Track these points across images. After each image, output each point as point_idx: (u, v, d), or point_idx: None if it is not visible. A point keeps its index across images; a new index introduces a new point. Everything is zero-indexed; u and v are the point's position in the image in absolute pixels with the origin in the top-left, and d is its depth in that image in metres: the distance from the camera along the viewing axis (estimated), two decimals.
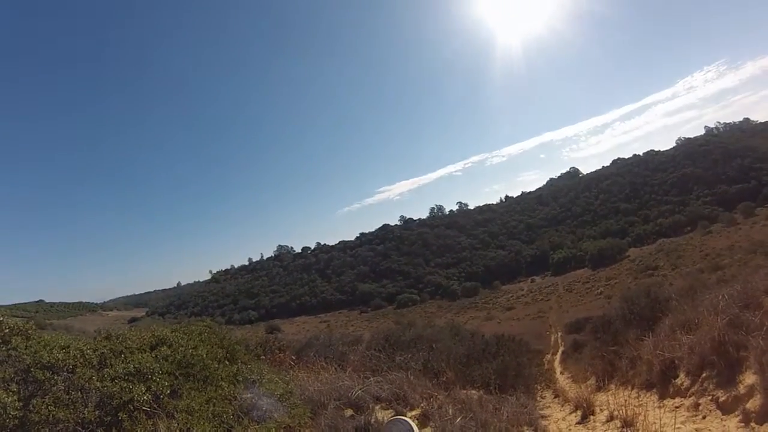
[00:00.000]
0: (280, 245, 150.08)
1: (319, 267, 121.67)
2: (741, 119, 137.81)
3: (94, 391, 3.57)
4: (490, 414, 5.77)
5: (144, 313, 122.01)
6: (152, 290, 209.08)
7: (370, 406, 5.27)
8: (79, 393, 3.56)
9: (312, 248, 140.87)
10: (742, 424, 3.99)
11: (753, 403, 4.03)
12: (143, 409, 3.49)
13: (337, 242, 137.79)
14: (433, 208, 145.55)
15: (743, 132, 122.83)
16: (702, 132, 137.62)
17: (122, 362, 3.96)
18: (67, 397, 3.48)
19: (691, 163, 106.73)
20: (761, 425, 3.75)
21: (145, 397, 3.53)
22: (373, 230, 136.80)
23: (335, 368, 7.02)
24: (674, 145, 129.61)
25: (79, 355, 3.88)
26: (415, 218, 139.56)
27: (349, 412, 5.13)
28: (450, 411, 5.32)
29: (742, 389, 4.34)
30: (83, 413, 3.38)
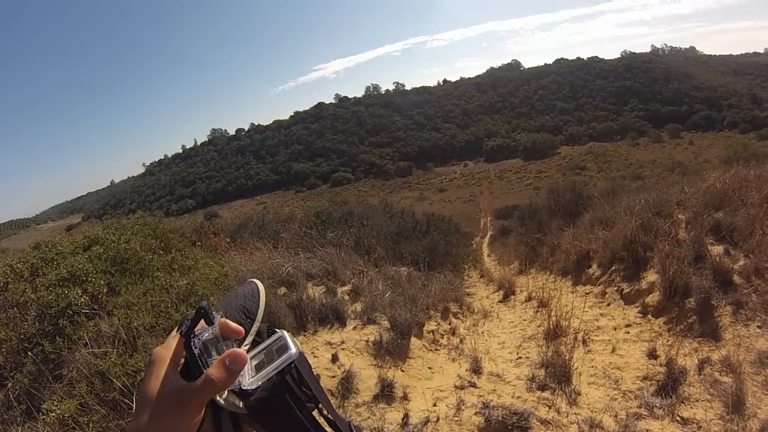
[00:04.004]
0: (213, 129, 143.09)
1: (254, 148, 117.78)
2: (688, 47, 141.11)
3: (30, 303, 3.40)
4: (418, 290, 5.99)
5: (80, 219, 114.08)
6: (85, 193, 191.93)
7: (302, 282, 5.27)
8: (16, 309, 3.40)
9: (246, 129, 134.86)
10: (641, 315, 4.58)
11: (652, 298, 4.60)
12: (83, 312, 3.38)
13: (271, 122, 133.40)
14: (369, 86, 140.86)
15: (687, 59, 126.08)
16: (648, 50, 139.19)
17: (55, 269, 3.74)
18: (5, 315, 3.33)
19: (632, 77, 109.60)
20: (657, 318, 4.33)
21: (82, 300, 3.39)
22: (308, 108, 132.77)
23: (268, 248, 6.87)
24: (619, 56, 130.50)
25: (8, 271, 3.66)
26: (350, 97, 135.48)
27: (282, 289, 5.14)
28: (380, 286, 5.41)
29: (644, 285, 4.90)
30: (24, 328, 3.25)
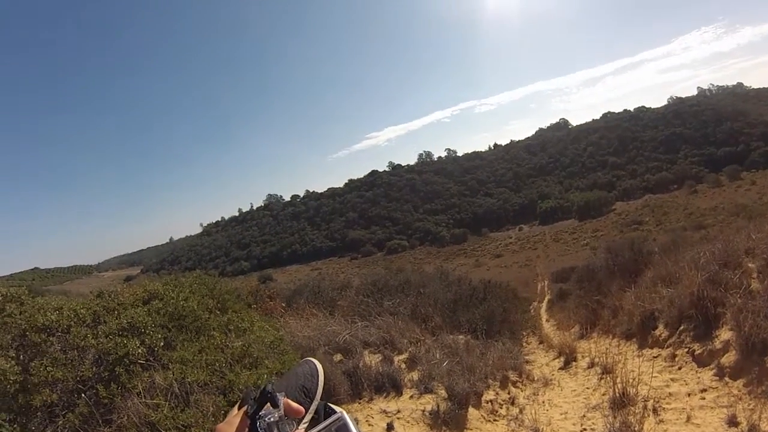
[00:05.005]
0: (269, 194, 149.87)
1: (309, 215, 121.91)
2: (734, 83, 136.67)
3: (90, 348, 3.61)
4: (476, 358, 5.92)
5: (139, 271, 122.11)
6: (145, 248, 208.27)
7: (359, 350, 5.32)
8: (76, 352, 3.60)
9: (301, 196, 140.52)
10: (717, 377, 4.16)
11: (728, 358, 4.19)
12: (139, 363, 3.55)
13: (326, 189, 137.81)
14: (422, 154, 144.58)
15: (735, 96, 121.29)
16: (694, 92, 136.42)
17: (115, 318, 3.97)
18: (64, 356, 3.51)
19: (681, 122, 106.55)
20: (735, 380, 3.92)
21: (140, 351, 3.57)
22: (362, 176, 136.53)
23: (325, 314, 6.99)
24: (666, 103, 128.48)
25: (72, 315, 3.86)
26: (403, 164, 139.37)
27: (338, 356, 5.19)
28: (437, 355, 5.40)
29: (717, 344, 4.50)
30: (81, 371, 3.44)
